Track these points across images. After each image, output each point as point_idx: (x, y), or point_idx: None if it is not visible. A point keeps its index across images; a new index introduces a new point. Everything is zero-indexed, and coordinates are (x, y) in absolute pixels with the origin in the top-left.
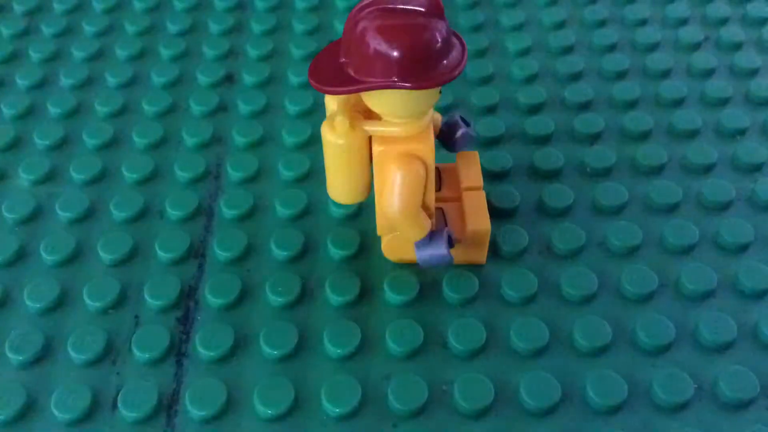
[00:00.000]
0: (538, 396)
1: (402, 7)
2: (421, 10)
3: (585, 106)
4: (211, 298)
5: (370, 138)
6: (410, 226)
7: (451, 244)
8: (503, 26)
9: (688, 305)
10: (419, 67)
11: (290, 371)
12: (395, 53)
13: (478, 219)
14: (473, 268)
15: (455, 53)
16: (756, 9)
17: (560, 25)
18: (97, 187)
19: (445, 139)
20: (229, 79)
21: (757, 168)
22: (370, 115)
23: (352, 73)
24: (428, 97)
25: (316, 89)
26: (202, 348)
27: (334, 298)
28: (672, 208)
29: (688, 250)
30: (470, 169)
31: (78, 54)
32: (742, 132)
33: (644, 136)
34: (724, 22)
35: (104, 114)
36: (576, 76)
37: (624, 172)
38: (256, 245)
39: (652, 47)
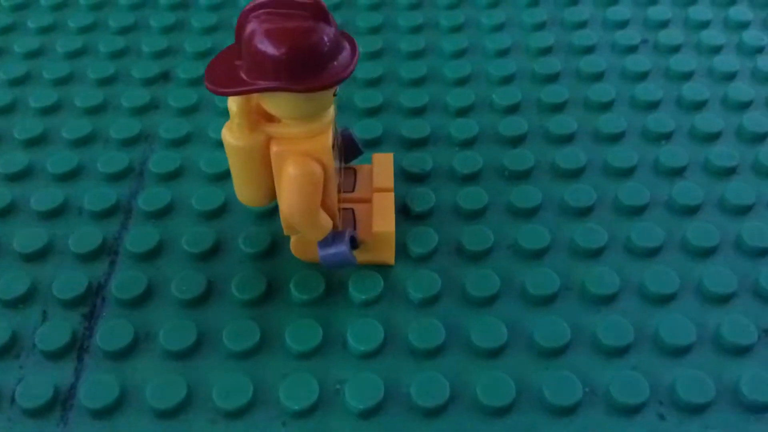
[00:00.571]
0: (428, 396)
1: (288, 10)
2: (306, 14)
3: (513, 109)
4: (117, 295)
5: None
6: (309, 226)
7: (354, 245)
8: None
9: (590, 308)
10: (306, 70)
11: (187, 369)
12: (281, 56)
13: (383, 220)
14: (381, 268)
15: (345, 55)
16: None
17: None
18: (21, 182)
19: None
20: (164, 76)
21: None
22: (271, 117)
23: (244, 75)
24: (321, 98)
25: (209, 90)
26: (102, 344)
27: (238, 297)
28: (584, 212)
29: (596, 254)
30: (383, 170)
31: (18, 50)
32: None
33: (567, 139)
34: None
35: (36, 109)
36: (508, 79)
37: (541, 175)
38: (168, 243)
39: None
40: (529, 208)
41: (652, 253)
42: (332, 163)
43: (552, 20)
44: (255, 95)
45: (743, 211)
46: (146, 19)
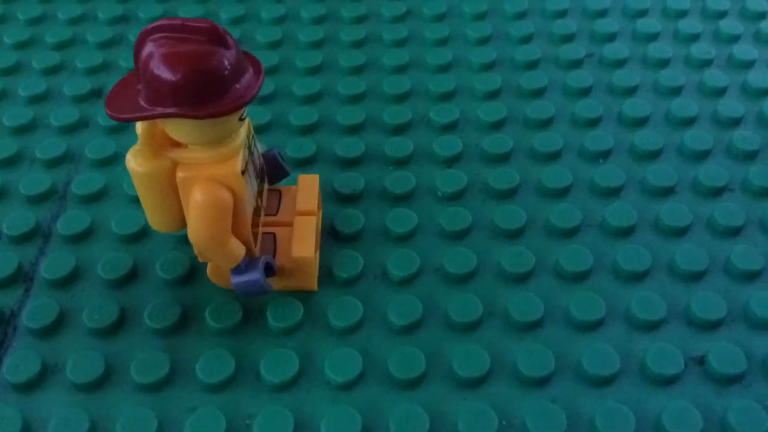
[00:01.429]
0: (340, 430)
1: (184, 35)
2: (202, 38)
3: (449, 128)
4: (28, 324)
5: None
6: (218, 254)
7: (271, 272)
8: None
9: (513, 335)
10: (203, 95)
11: (92, 402)
12: (177, 81)
13: (303, 245)
14: (302, 295)
15: (248, 77)
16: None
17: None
18: None
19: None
20: (96, 93)
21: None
22: (178, 141)
23: (142, 101)
24: (225, 123)
25: (108, 115)
26: (9, 376)
27: (150, 326)
28: (514, 234)
29: (524, 278)
30: (307, 192)
31: None
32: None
33: (502, 158)
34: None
35: None
36: (447, 96)
37: (475, 195)
38: (84, 269)
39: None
40: (458, 231)
41: (580, 277)
42: (243, 189)
43: (496, 35)
44: (160, 120)
45: (679, 232)
46: (84, 34)
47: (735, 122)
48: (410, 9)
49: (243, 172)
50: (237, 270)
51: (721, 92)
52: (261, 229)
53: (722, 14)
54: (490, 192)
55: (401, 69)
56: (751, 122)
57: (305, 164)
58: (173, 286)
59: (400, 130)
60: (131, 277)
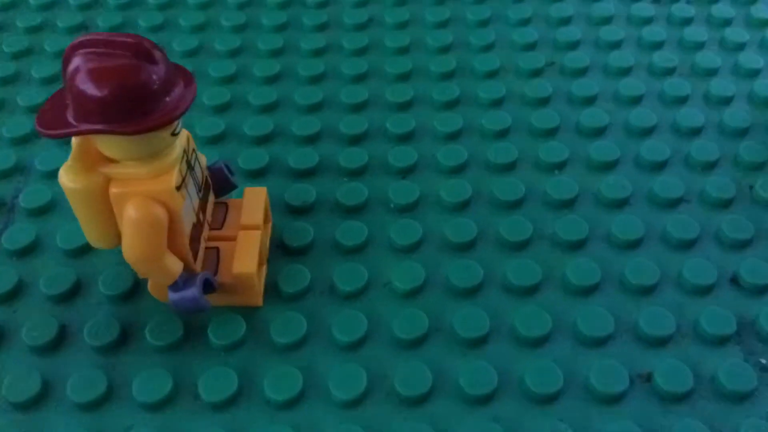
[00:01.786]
0: None
1: (109, 50)
2: (128, 53)
3: (406, 138)
4: None
5: None
6: (153, 271)
7: (210, 288)
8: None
9: (458, 351)
10: (129, 111)
11: (28, 422)
12: (101, 97)
13: (244, 261)
14: (246, 311)
15: (178, 92)
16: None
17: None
18: None
19: (211, 184)
20: None
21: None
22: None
23: (70, 117)
24: (155, 139)
25: (37, 131)
26: None
27: (90, 343)
28: (464, 247)
29: (472, 292)
30: (253, 206)
31: None
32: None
33: (457, 170)
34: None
35: None
36: (404, 106)
37: (428, 207)
38: (27, 284)
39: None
40: (409, 244)
41: (527, 292)
42: (179, 205)
43: (457, 43)
44: (91, 135)
45: (631, 245)
46: (41, 43)
47: (695, 132)
48: (372, 17)
49: (179, 188)
50: (174, 286)
51: (682, 101)
52: (204, 244)
53: (687, 21)
54: (444, 204)
55: (360, 78)
56: (713, 131)
57: (257, 176)
58: (115, 302)
59: (355, 140)
60: (74, 292)
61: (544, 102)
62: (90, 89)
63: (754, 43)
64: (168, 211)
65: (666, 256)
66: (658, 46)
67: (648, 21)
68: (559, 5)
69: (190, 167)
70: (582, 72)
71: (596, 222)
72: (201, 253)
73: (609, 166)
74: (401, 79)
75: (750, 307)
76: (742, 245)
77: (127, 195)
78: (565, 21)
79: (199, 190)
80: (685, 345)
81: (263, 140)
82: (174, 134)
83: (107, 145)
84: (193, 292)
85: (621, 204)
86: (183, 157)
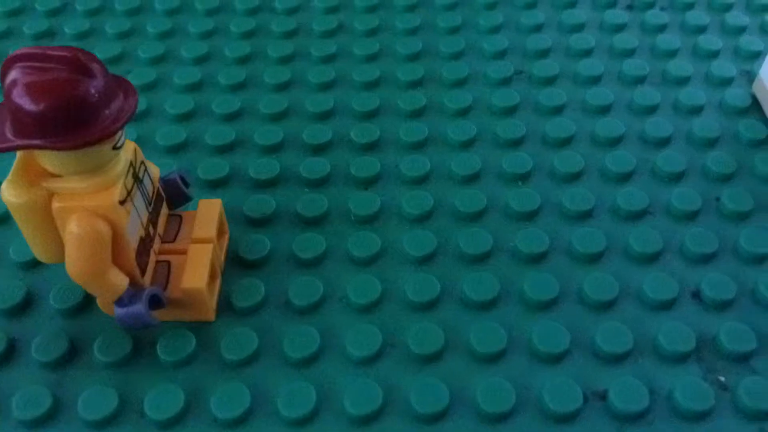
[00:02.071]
0: None
1: (45, 64)
2: (63, 67)
3: (370, 148)
4: None
5: None
6: (98, 287)
7: (158, 304)
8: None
9: (412, 368)
10: (64, 127)
11: None
12: (37, 112)
13: (194, 276)
14: (197, 326)
15: (116, 105)
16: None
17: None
18: None
19: (165, 196)
20: None
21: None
22: None
23: (7, 131)
24: (96, 153)
25: None
26: None
27: (37, 358)
28: (423, 259)
29: (428, 307)
30: (206, 218)
31: None
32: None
33: (420, 180)
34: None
35: None
36: (369, 114)
37: (389, 218)
38: None
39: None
40: (368, 257)
41: (484, 307)
42: (123, 219)
43: (426, 51)
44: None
45: (592, 259)
46: (6, 50)
47: (663, 142)
48: (341, 24)
49: (123, 202)
50: (120, 302)
51: (651, 110)
52: (155, 257)
53: (661, 28)
54: (405, 216)
55: (326, 86)
56: (681, 142)
57: (217, 186)
58: (66, 316)
59: (318, 149)
60: (24, 306)
61: (510, 111)
62: (26, 104)
63: (728, 51)
64: (112, 225)
65: (627, 270)
66: (629, 53)
67: (620, 28)
68: (531, 12)
69: (138, 180)
70: (551, 81)
71: (557, 235)
72: (151, 267)
73: (573, 178)
74: (368, 88)
75: (711, 323)
76: (705, 259)
77: (70, 210)
78: (537, 28)
79: (149, 203)
80: (643, 362)
81: (224, 150)
82: (116, 148)
83: (48, 159)
84: (138, 308)
85: (584, 216)
86: (129, 170)
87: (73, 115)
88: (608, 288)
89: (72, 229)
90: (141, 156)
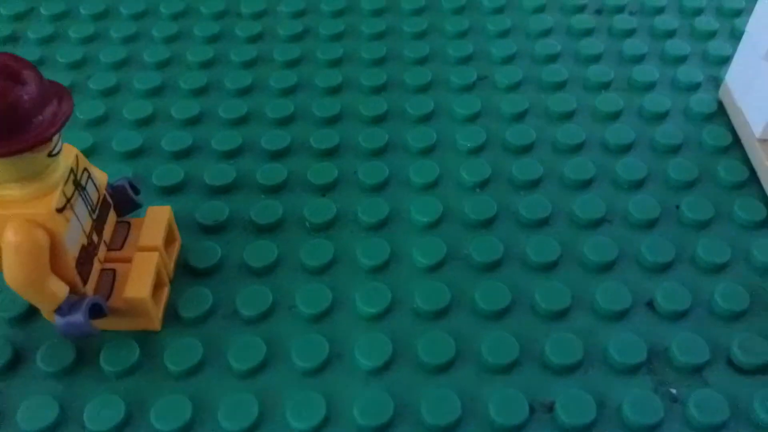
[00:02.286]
0: None
1: None
2: None
3: (328, 153)
4: None
5: None
6: (34, 297)
7: (100, 313)
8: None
9: (358, 378)
10: None
11: None
12: None
13: (138, 285)
14: (142, 335)
15: (50, 112)
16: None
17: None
18: None
19: (114, 202)
20: None
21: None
22: None
23: None
24: (30, 161)
25: None
26: None
27: None
28: (376, 269)
29: (378, 318)
30: (154, 226)
31: None
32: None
33: (378, 188)
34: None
35: None
36: (331, 120)
37: (344, 226)
38: None
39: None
40: (320, 265)
41: (435, 316)
42: (61, 228)
43: (390, 56)
44: None
45: (546, 268)
46: None
47: (625, 149)
48: (307, 28)
49: (62, 209)
50: (60, 311)
51: (614, 116)
52: (101, 265)
53: (629, 33)
54: (361, 224)
55: (288, 91)
56: (644, 148)
57: (172, 192)
58: (11, 325)
59: (276, 155)
60: None
61: (472, 118)
62: None
63: (697, 56)
64: (49, 234)
65: (581, 279)
66: (595, 59)
67: (588, 33)
68: (498, 17)
69: (80, 187)
70: (514, 87)
71: (513, 243)
72: (95, 275)
73: (532, 185)
74: (330, 93)
75: (664, 334)
76: (661, 268)
77: (6, 218)
78: (503, 34)
79: (93, 211)
80: (593, 373)
81: (180, 156)
82: (52, 155)
83: None
84: (78, 317)
85: (540, 224)
86: (69, 177)
87: (5, 122)
88: (561, 297)
89: (8, 237)
90: (84, 162)
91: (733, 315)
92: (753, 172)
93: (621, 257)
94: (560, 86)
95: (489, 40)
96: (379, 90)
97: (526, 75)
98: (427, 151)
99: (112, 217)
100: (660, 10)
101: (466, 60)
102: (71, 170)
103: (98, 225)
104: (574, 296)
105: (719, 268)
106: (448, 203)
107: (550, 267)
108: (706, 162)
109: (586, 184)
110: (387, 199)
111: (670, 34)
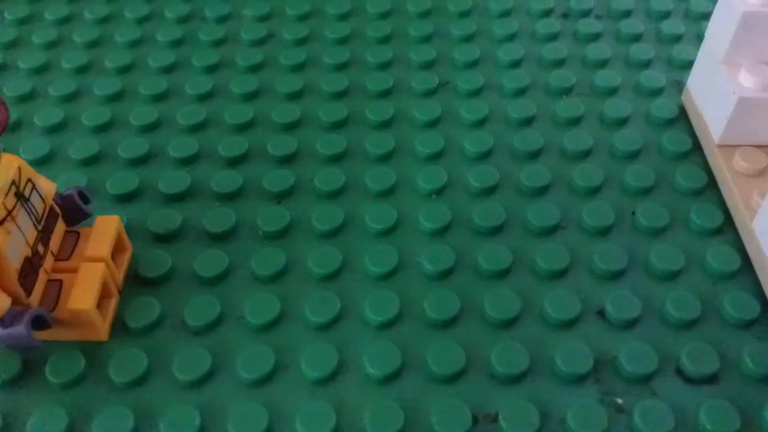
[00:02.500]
0: None
1: None
2: None
3: (287, 160)
4: None
5: None
6: None
7: (44, 324)
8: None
9: (304, 389)
10: None
11: None
12: None
13: (81, 296)
14: (89, 346)
15: None
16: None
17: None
18: None
19: (62, 212)
20: None
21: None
22: None
23: None
24: None
25: None
26: None
27: None
28: (327, 278)
29: (326, 327)
30: (102, 236)
31: None
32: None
33: (334, 194)
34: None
35: None
36: (289, 126)
37: (298, 234)
38: None
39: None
40: (270, 274)
41: (382, 327)
42: (2, 240)
43: (353, 61)
44: None
45: (497, 276)
46: None
47: (583, 155)
48: (271, 33)
49: (2, 222)
50: (2, 323)
51: (575, 122)
52: (47, 276)
53: (595, 37)
54: (314, 232)
55: (248, 97)
56: (602, 155)
57: (127, 200)
58: None
59: (234, 162)
60: None
61: (432, 124)
62: None
63: (662, 60)
64: None
65: (532, 287)
66: (559, 64)
67: (553, 37)
68: (462, 22)
69: (23, 198)
70: (476, 93)
71: (465, 250)
72: (41, 286)
73: (488, 192)
74: (290, 99)
75: (613, 343)
76: (614, 276)
77: None
78: (467, 38)
79: (38, 221)
80: (539, 383)
81: (137, 162)
82: None
83: None
84: (20, 329)
85: (493, 231)
86: (10, 189)
87: None
88: (510, 306)
89: None
90: (29, 173)
91: (684, 324)
92: (712, 177)
93: (573, 265)
94: (521, 92)
95: (452, 45)
96: (340, 95)
97: (487, 80)
98: (385, 158)
99: (60, 227)
100: (627, 14)
101: (428, 65)
102: (12, 182)
103: (44, 236)
104: (524, 304)
105: (672, 276)
106: (404, 211)
107: (501, 275)
108: (664, 168)
109: (542, 191)
110: (343, 207)
111: (636, 38)
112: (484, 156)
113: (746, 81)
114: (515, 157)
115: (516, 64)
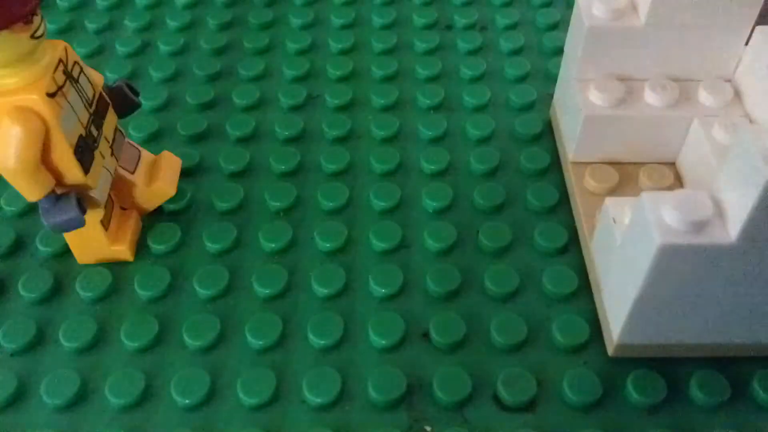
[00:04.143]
0: None
1: None
2: None
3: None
4: None
5: None
6: (24, 183)
7: (82, 208)
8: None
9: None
10: None
11: None
12: None
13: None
14: (116, 266)
15: None
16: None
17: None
18: None
19: (112, 104)
20: None
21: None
22: None
23: None
24: (12, 42)
25: None
26: None
27: None
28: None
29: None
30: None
31: None
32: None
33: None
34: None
35: None
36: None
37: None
38: None
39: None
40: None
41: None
42: (55, 112)
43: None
44: None
45: (330, 297)
46: None
47: (439, 174)
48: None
49: (54, 95)
50: (48, 205)
51: (437, 140)
52: (103, 161)
53: (475, 51)
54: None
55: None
56: (459, 173)
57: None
58: None
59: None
60: None
61: (295, 140)
62: None
63: (540, 72)
64: (43, 120)
65: (362, 309)
66: (433, 79)
67: (431, 52)
68: (343, 33)
69: (72, 78)
70: (344, 108)
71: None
72: (97, 169)
73: (334, 213)
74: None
75: (432, 367)
76: (445, 298)
77: (1, 105)
78: (343, 52)
79: (89, 105)
80: (352, 411)
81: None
82: (35, 37)
83: None
84: (72, 213)
85: (335, 252)
86: (59, 66)
87: None
88: (333, 330)
89: (6, 123)
90: (74, 56)
91: (507, 348)
92: (565, 195)
93: (407, 286)
94: (389, 108)
95: (326, 58)
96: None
97: (355, 95)
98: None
99: (111, 116)
100: (512, 27)
101: (301, 79)
102: (60, 60)
103: (96, 119)
104: (349, 329)
105: (505, 298)
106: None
107: (333, 297)
108: (517, 186)
109: (390, 212)
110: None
111: (517, 51)
112: (339, 174)
113: (595, 97)
114: (372, 177)
115: (389, 79)
